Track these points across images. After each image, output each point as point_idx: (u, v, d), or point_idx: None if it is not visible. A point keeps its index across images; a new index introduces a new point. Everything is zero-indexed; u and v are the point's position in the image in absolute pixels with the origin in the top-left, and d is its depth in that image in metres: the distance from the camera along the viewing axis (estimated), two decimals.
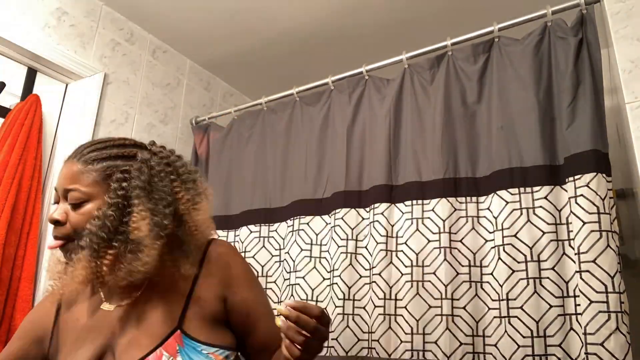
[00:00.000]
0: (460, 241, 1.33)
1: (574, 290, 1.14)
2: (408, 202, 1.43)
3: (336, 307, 1.42)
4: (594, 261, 1.09)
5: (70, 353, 0.87)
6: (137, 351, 0.82)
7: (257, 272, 1.71)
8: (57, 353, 0.91)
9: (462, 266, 1.30)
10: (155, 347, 0.82)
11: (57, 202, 0.88)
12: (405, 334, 1.31)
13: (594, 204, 1.12)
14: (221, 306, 0.90)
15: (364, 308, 1.41)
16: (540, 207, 1.23)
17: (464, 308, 1.27)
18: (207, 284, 0.90)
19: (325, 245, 1.57)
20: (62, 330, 0.92)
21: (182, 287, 0.89)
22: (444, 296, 1.28)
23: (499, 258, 1.24)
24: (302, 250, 1.58)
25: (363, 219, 1.51)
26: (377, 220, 1.45)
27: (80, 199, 0.84)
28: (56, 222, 0.85)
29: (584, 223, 1.13)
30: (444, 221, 1.34)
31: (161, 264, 0.85)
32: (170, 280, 0.89)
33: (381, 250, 1.41)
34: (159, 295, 0.89)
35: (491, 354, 1.20)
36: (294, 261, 1.59)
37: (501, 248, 1.24)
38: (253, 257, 1.73)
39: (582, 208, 1.14)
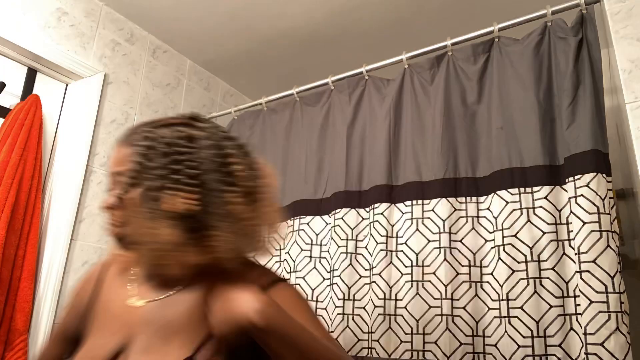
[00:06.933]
0: (460, 241, 1.33)
1: (574, 291, 1.14)
2: (408, 202, 1.43)
3: (336, 307, 1.42)
4: (594, 261, 1.09)
5: (91, 341, 0.77)
6: None
7: None
8: (86, 336, 0.80)
9: (462, 266, 1.30)
10: None
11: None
12: (405, 334, 1.31)
13: (594, 204, 1.12)
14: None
15: (364, 308, 1.41)
16: (540, 207, 1.23)
17: (464, 308, 1.27)
18: None
19: (325, 245, 1.57)
20: (96, 313, 0.81)
21: None
22: (444, 296, 1.28)
23: (499, 258, 1.24)
24: (302, 250, 1.58)
25: (363, 219, 1.51)
26: (377, 221, 1.45)
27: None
28: None
29: (584, 223, 1.12)
30: (444, 221, 1.34)
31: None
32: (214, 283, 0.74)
33: (381, 250, 1.41)
34: (195, 298, 0.75)
35: (491, 354, 1.20)
36: (294, 261, 1.58)
37: (501, 248, 1.24)
38: (253, 257, 1.72)
39: (582, 208, 1.14)
